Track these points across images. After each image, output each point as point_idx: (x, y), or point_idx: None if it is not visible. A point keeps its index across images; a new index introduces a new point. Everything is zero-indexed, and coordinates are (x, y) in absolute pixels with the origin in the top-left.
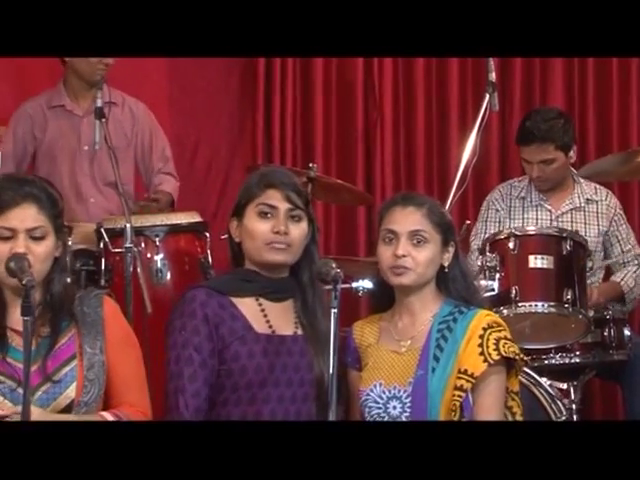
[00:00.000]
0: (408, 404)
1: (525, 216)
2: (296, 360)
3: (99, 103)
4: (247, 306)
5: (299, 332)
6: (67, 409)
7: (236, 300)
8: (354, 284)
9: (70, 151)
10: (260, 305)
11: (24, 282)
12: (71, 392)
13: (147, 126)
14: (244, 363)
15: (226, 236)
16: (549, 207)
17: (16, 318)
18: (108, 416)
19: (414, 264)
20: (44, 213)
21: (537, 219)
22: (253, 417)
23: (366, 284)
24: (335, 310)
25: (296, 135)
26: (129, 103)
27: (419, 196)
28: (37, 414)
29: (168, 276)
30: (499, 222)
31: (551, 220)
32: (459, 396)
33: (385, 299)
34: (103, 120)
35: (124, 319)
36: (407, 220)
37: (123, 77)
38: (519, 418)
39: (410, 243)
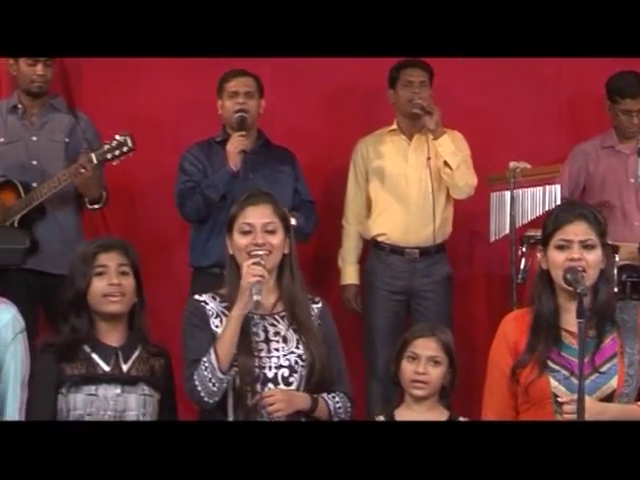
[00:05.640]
0: None
1: None
2: None
3: None
4: None
5: None
6: (608, 398)
7: None
8: None
9: (618, 183)
10: None
11: (578, 290)
12: (613, 383)
13: None
14: None
15: None
16: None
17: (568, 320)
18: None
19: None
20: (593, 229)
21: None
22: None
23: None
24: None
25: None
26: None
27: None
28: (587, 401)
29: None
30: None
31: None
32: None
33: None
34: None
35: None
36: None
37: None
38: None
39: None
